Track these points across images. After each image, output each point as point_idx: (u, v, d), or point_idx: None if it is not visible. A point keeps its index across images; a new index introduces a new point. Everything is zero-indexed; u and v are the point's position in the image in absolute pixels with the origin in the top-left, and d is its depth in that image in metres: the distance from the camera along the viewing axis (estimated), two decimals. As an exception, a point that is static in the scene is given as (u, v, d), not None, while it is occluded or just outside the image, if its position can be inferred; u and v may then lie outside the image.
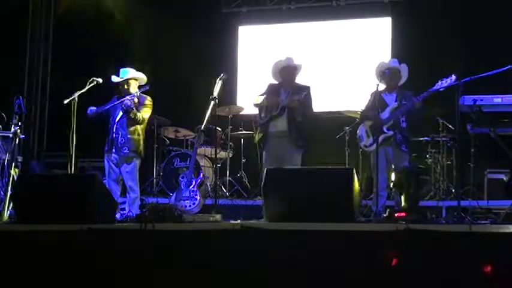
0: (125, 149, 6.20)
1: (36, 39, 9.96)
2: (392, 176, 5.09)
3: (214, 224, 4.90)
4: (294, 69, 6.20)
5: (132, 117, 6.20)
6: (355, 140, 6.57)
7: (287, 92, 6.13)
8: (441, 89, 5.62)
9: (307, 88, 6.14)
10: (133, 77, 6.37)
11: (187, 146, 8.46)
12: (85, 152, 8.19)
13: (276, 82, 6.29)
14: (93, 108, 6.28)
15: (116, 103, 6.25)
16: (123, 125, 6.24)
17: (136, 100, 6.22)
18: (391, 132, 5.95)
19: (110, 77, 6.33)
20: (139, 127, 6.34)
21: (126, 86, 6.32)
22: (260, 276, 3.92)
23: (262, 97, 6.19)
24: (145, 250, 4.16)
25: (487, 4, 8.20)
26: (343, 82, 9.12)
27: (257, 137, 6.27)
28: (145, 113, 6.32)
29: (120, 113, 6.26)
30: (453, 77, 5.48)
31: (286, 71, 6.19)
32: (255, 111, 6.41)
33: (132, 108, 6.16)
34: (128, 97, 6.19)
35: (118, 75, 6.36)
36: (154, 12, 9.36)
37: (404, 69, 6.15)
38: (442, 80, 5.60)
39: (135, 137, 6.26)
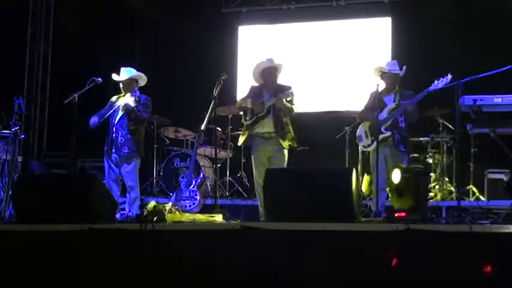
0: (125, 149, 6.19)
1: (36, 39, 9.96)
2: (397, 175, 5.04)
3: (214, 224, 4.90)
4: (275, 69, 6.22)
5: (133, 117, 6.20)
6: (355, 140, 6.57)
7: (270, 93, 6.16)
8: (438, 89, 5.62)
9: (289, 88, 6.17)
10: (135, 77, 6.37)
11: (187, 146, 8.46)
12: (85, 152, 8.20)
13: (257, 84, 6.32)
14: (95, 119, 6.26)
15: (125, 104, 6.20)
16: (123, 125, 6.24)
17: (137, 100, 6.22)
18: (389, 133, 5.95)
19: (109, 77, 6.33)
20: (139, 127, 6.34)
21: (127, 85, 6.31)
22: (260, 276, 3.92)
23: (246, 100, 6.24)
24: (145, 250, 4.16)
25: (487, 4, 8.20)
26: (343, 82, 9.11)
27: (241, 140, 6.28)
28: (145, 113, 6.32)
29: (120, 113, 6.25)
30: (449, 76, 5.48)
31: (268, 72, 6.21)
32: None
33: (133, 108, 6.16)
34: (128, 97, 6.19)
35: (119, 75, 6.36)
36: (154, 12, 9.38)
37: (403, 71, 6.14)
38: (439, 80, 5.60)
39: (135, 136, 6.25)
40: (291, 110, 6.11)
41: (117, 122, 6.25)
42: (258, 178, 6.03)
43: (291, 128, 6.16)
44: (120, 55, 8.62)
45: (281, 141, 6.05)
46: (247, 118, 6.21)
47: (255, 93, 6.25)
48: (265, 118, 6.11)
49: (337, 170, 5.10)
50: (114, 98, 6.40)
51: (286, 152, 6.13)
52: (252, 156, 6.24)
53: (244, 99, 6.29)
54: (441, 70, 5.72)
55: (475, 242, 3.76)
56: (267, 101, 6.11)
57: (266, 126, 6.10)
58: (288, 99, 6.06)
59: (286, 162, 6.13)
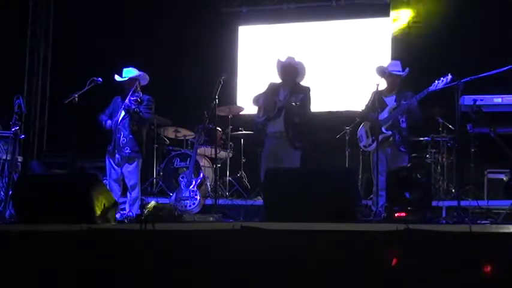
0: (127, 149, 6.20)
1: (36, 39, 9.96)
2: None
3: (214, 224, 4.91)
4: (294, 69, 6.18)
5: (136, 118, 6.20)
6: (355, 140, 6.57)
7: (286, 92, 6.13)
8: (438, 89, 5.63)
9: (306, 89, 6.14)
10: (136, 77, 6.37)
11: (187, 146, 8.46)
12: (85, 152, 8.21)
13: (278, 81, 6.30)
14: (110, 122, 6.27)
15: (126, 105, 6.20)
16: (125, 125, 6.25)
17: (139, 100, 6.22)
18: (389, 133, 5.95)
19: (109, 77, 6.33)
20: (141, 127, 6.34)
21: (129, 86, 6.31)
22: (260, 277, 3.92)
23: (259, 97, 6.24)
24: (145, 250, 4.16)
25: (487, 4, 8.21)
26: (343, 82, 9.12)
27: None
28: (148, 114, 6.33)
29: (123, 113, 6.26)
30: (449, 76, 5.49)
31: (286, 70, 6.18)
32: (255, 110, 6.42)
33: (134, 109, 6.16)
34: (131, 98, 6.20)
35: (120, 75, 6.36)
36: (154, 12, 9.38)
37: (405, 73, 6.13)
38: (439, 80, 5.61)
39: (137, 137, 6.26)
40: (301, 112, 6.08)
41: (120, 122, 6.25)
42: None
43: (304, 128, 6.13)
44: (120, 55, 8.62)
45: (291, 141, 6.03)
46: (260, 115, 6.20)
47: (271, 90, 6.22)
48: (276, 118, 6.10)
49: (337, 170, 5.10)
50: (117, 99, 6.40)
51: (297, 152, 6.09)
52: (262, 155, 6.21)
53: (258, 96, 6.27)
54: (441, 70, 5.72)
55: (475, 242, 3.76)
56: (280, 100, 6.09)
57: (277, 126, 6.09)
58: (297, 103, 6.03)
59: (298, 162, 6.05)
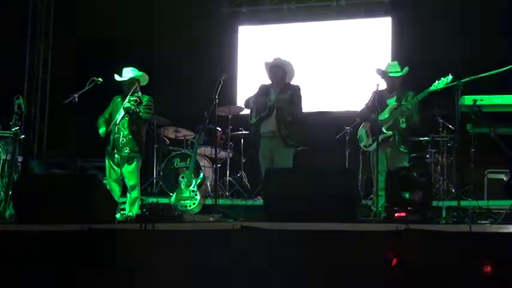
0: (126, 149, 6.19)
1: (36, 39, 9.96)
2: None
3: (214, 224, 4.91)
4: (282, 69, 6.25)
5: (135, 118, 6.20)
6: (355, 140, 6.57)
7: (276, 92, 6.21)
8: (438, 89, 5.63)
9: (296, 88, 6.21)
10: (137, 77, 6.37)
11: (187, 146, 8.46)
12: (85, 152, 8.20)
13: (269, 82, 6.36)
14: (104, 129, 6.23)
15: (125, 105, 6.20)
16: (125, 125, 6.24)
17: (139, 100, 6.21)
18: (390, 133, 5.95)
19: (109, 77, 6.33)
20: (140, 127, 6.34)
21: (129, 86, 6.30)
22: (260, 277, 3.92)
23: (250, 99, 6.33)
24: (145, 250, 4.16)
25: (487, 4, 8.21)
26: (343, 82, 9.12)
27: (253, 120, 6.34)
28: (147, 114, 6.32)
29: (122, 113, 6.25)
30: (449, 76, 5.49)
31: (274, 71, 6.26)
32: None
33: (134, 109, 6.15)
34: (130, 98, 6.19)
35: (120, 75, 6.36)
36: (154, 12, 9.38)
37: (403, 73, 6.12)
38: (439, 80, 5.61)
39: (137, 137, 6.25)
40: (293, 109, 6.12)
41: (119, 122, 6.24)
42: None
43: (296, 127, 6.17)
44: (120, 55, 8.62)
45: (284, 140, 6.08)
46: (253, 117, 6.26)
47: (262, 91, 6.33)
48: (268, 117, 6.16)
49: (337, 170, 5.10)
50: (117, 98, 6.39)
51: (291, 150, 6.15)
52: (258, 155, 6.29)
53: (250, 98, 6.36)
54: (441, 70, 5.72)
55: (475, 242, 3.77)
56: (271, 101, 6.15)
57: (270, 126, 6.16)
58: (285, 99, 6.07)
59: (290, 161, 6.12)
